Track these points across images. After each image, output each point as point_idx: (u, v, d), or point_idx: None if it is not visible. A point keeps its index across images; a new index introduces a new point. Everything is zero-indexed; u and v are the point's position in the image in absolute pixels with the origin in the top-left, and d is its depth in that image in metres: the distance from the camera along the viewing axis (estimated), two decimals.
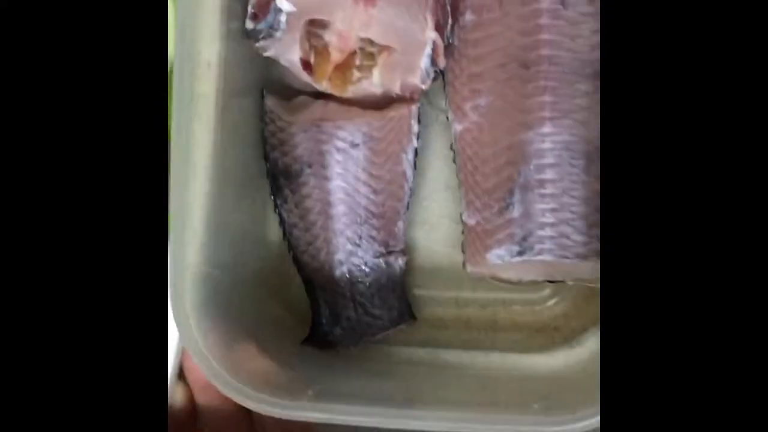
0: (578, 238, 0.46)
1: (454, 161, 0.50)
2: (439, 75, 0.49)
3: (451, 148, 0.50)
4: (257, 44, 0.47)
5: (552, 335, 0.53)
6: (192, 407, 0.49)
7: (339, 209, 0.50)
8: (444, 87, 0.50)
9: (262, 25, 0.46)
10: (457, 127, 0.49)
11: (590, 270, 0.48)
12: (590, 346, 0.52)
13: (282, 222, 0.51)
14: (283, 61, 0.49)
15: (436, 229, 0.54)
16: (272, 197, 0.51)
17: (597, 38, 0.45)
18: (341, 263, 0.50)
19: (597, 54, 0.45)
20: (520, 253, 0.47)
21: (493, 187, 0.47)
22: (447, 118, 0.50)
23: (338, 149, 0.49)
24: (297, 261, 0.52)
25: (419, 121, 0.50)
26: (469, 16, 0.47)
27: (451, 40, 0.48)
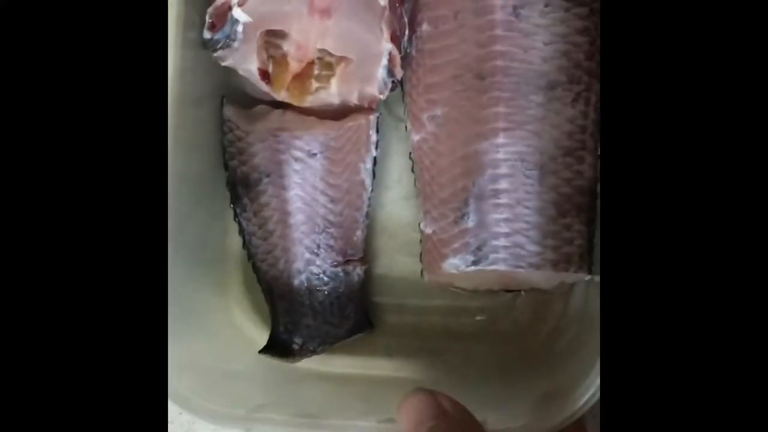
0: (532, 248, 0.47)
1: (413, 170, 0.51)
2: (398, 85, 0.49)
3: (410, 157, 0.51)
4: (215, 54, 0.48)
5: (511, 342, 0.53)
6: None
7: (297, 218, 0.50)
8: (403, 96, 0.50)
9: (219, 35, 0.47)
10: (415, 137, 0.49)
11: (544, 279, 0.49)
12: (550, 351, 0.52)
13: (241, 230, 0.52)
14: (241, 71, 0.49)
15: (395, 237, 0.54)
16: (232, 206, 0.51)
17: (550, 50, 0.46)
18: (300, 272, 0.51)
19: (550, 65, 0.46)
20: (475, 263, 0.47)
21: (449, 197, 0.48)
22: (406, 127, 0.50)
23: (296, 159, 0.50)
24: (256, 269, 0.52)
25: (378, 131, 0.50)
26: (425, 27, 0.48)
27: (408, 50, 0.48)
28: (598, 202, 0.48)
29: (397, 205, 0.54)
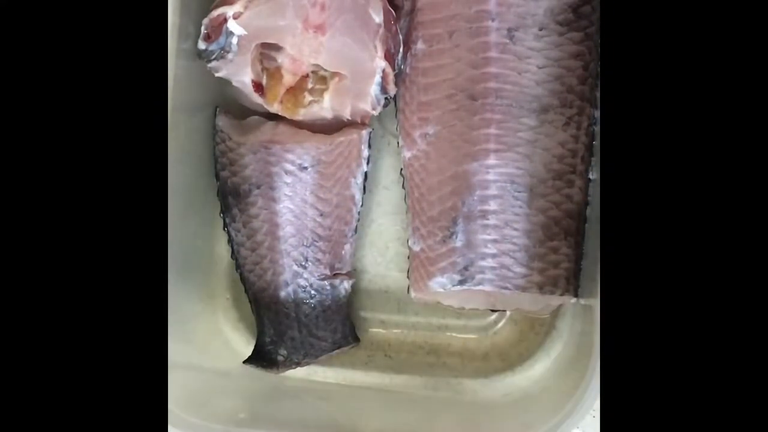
0: (519, 269, 0.47)
1: (404, 186, 0.51)
2: (391, 101, 0.49)
3: (401, 173, 0.51)
4: (209, 65, 0.48)
5: (495, 361, 0.53)
6: None
7: (286, 231, 0.50)
8: (396, 113, 0.50)
9: (214, 47, 0.47)
10: (406, 153, 0.49)
11: (530, 301, 0.49)
12: (533, 372, 0.52)
13: (230, 240, 0.52)
14: (235, 83, 0.49)
15: (384, 252, 0.54)
16: (221, 215, 0.51)
17: (543, 73, 0.46)
18: (287, 284, 0.51)
19: (543, 89, 0.46)
20: (461, 282, 0.47)
21: (438, 215, 0.48)
22: (398, 143, 0.50)
23: (287, 171, 0.50)
24: (244, 280, 0.52)
25: (370, 146, 0.50)
26: (420, 45, 0.48)
27: (402, 68, 0.48)
28: (586, 225, 0.48)
29: (387, 220, 0.54)
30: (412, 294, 0.50)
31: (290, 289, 0.51)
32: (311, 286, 0.51)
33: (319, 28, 0.45)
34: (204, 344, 0.52)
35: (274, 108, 0.49)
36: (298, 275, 0.51)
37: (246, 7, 0.45)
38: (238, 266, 0.52)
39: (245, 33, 0.46)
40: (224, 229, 0.52)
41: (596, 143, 0.47)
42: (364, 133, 0.50)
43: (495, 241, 0.47)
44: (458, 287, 0.47)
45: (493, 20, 0.45)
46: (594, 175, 0.47)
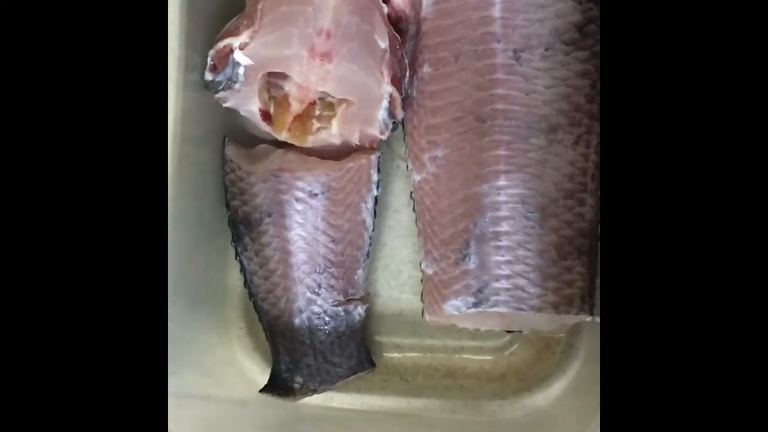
0: (533, 290, 0.46)
1: (414, 209, 0.51)
2: (399, 125, 0.49)
3: (411, 196, 0.51)
4: (217, 95, 0.48)
5: (513, 382, 0.53)
6: None
7: (298, 258, 0.50)
8: (404, 136, 0.50)
9: (220, 77, 0.47)
10: (416, 177, 0.49)
11: (546, 321, 0.49)
12: (551, 392, 0.52)
13: (243, 269, 0.52)
14: (243, 112, 0.49)
15: (397, 275, 0.54)
16: (233, 245, 0.51)
17: (551, 93, 0.46)
18: (301, 311, 0.51)
19: (550, 109, 0.46)
20: (476, 305, 0.47)
21: (450, 238, 0.48)
22: (407, 167, 0.50)
23: (297, 199, 0.50)
24: (258, 308, 0.52)
25: (379, 170, 0.50)
26: (426, 69, 0.48)
27: (409, 91, 0.49)
28: (599, 243, 0.48)
29: (399, 244, 0.54)
30: (427, 317, 0.50)
31: (304, 316, 0.51)
32: (325, 312, 0.51)
33: (326, 56, 0.46)
34: (219, 374, 0.52)
35: (283, 136, 0.49)
36: (312, 302, 0.51)
37: (252, 38, 0.46)
38: (252, 295, 0.52)
39: (252, 63, 0.46)
40: (236, 258, 0.52)
41: None
42: (373, 157, 0.50)
43: (508, 262, 0.46)
44: (473, 309, 0.47)
45: (498, 42, 0.45)
46: None
